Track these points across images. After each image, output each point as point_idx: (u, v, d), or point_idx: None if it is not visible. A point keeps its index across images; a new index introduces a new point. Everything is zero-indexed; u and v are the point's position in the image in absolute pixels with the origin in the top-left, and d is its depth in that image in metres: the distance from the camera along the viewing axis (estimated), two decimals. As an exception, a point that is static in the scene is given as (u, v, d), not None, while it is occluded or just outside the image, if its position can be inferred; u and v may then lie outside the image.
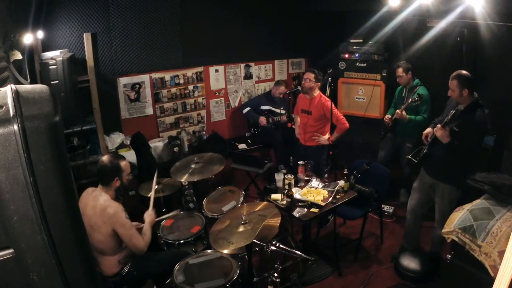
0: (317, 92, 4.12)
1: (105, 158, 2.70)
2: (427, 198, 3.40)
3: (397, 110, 4.10)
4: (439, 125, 2.96)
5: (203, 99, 5.43)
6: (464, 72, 2.95)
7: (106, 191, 2.65)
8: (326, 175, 4.42)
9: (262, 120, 5.21)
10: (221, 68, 5.49)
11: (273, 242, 2.41)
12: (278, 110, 5.25)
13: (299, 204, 3.32)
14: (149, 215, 2.91)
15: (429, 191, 3.35)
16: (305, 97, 4.20)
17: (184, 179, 3.40)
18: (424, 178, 3.38)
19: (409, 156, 3.43)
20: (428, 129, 3.30)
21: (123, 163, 2.70)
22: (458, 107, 3.01)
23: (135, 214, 3.11)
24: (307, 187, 3.55)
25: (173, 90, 5.14)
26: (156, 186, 3.28)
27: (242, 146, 5.37)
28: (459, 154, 2.97)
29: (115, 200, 2.69)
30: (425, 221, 3.57)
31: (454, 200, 3.12)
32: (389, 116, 4.30)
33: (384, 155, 4.58)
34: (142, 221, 2.92)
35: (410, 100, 3.98)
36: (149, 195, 3.28)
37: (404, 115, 4.04)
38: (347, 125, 4.08)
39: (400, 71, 4.21)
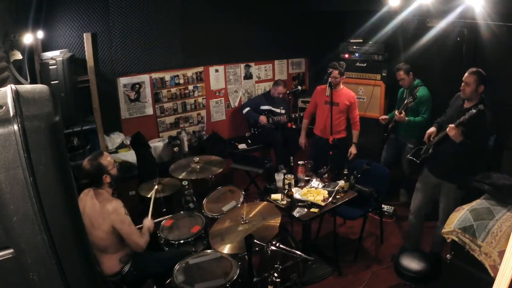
0: (341, 86, 4.29)
1: (85, 163, 2.63)
2: (432, 198, 3.40)
3: (396, 112, 4.11)
4: (452, 125, 2.91)
5: (203, 99, 5.43)
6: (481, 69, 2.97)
7: (102, 189, 2.65)
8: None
9: (263, 119, 5.20)
10: (221, 68, 5.49)
11: (273, 242, 2.41)
12: (278, 110, 5.25)
13: (299, 204, 3.32)
14: (148, 221, 2.91)
15: (434, 191, 3.35)
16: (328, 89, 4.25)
17: (182, 176, 3.39)
18: (428, 178, 3.37)
19: (409, 156, 3.43)
20: (432, 129, 3.29)
21: (103, 160, 2.64)
22: (464, 105, 3.00)
23: (135, 214, 3.11)
24: (307, 187, 3.55)
25: (173, 90, 5.14)
26: (153, 196, 3.24)
27: (242, 146, 5.37)
28: (467, 154, 2.97)
29: (112, 195, 2.70)
30: (426, 221, 3.57)
31: (459, 199, 3.12)
32: (385, 117, 4.32)
33: (387, 156, 4.57)
34: (141, 222, 2.92)
35: (405, 102, 4.00)
36: (149, 195, 3.27)
37: (403, 117, 4.04)
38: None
39: (401, 74, 4.16)
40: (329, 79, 4.18)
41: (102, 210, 2.55)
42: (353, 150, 4.39)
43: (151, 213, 3.01)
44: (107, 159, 2.66)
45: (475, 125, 2.86)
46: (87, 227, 2.53)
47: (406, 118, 4.05)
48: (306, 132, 4.64)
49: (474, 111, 2.81)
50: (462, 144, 2.91)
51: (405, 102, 4.01)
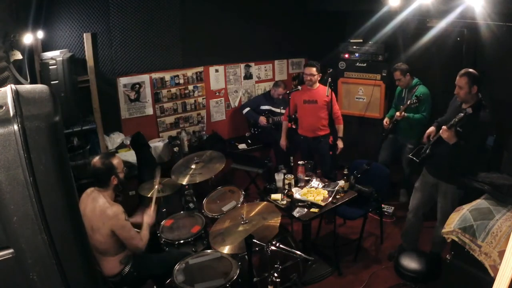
0: (318, 84, 4.30)
1: (96, 160, 2.65)
2: (430, 198, 3.40)
3: (397, 112, 4.09)
4: (444, 127, 2.93)
5: (203, 99, 5.43)
6: (472, 70, 2.95)
7: (105, 192, 2.65)
8: (336, 172, 4.47)
9: (262, 120, 5.20)
10: (221, 68, 5.49)
11: (273, 242, 2.41)
12: (278, 110, 5.25)
13: (299, 204, 3.32)
14: (148, 216, 2.89)
15: (432, 191, 3.35)
16: (306, 89, 4.32)
17: (185, 181, 3.38)
18: (426, 177, 3.38)
19: (410, 155, 3.43)
20: (431, 128, 3.29)
21: (115, 161, 2.67)
22: (462, 106, 3.00)
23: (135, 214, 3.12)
24: (307, 187, 3.55)
25: (173, 90, 5.14)
26: (157, 186, 3.26)
27: (242, 146, 5.37)
28: (463, 155, 2.97)
29: (114, 199, 2.70)
30: (425, 221, 3.57)
31: (457, 200, 3.12)
32: (388, 120, 4.30)
33: (385, 156, 4.57)
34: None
35: (408, 102, 3.98)
36: (149, 195, 3.27)
37: (404, 115, 4.04)
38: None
39: (398, 74, 4.15)
40: (305, 78, 4.26)
41: (102, 215, 2.54)
42: (340, 144, 4.38)
43: (153, 206, 2.98)
44: (117, 161, 2.68)
45: (470, 127, 2.86)
46: (87, 229, 2.53)
47: (405, 114, 4.04)
48: (287, 134, 4.59)
49: (461, 114, 2.83)
50: (456, 145, 2.91)
51: (408, 103, 3.97)
